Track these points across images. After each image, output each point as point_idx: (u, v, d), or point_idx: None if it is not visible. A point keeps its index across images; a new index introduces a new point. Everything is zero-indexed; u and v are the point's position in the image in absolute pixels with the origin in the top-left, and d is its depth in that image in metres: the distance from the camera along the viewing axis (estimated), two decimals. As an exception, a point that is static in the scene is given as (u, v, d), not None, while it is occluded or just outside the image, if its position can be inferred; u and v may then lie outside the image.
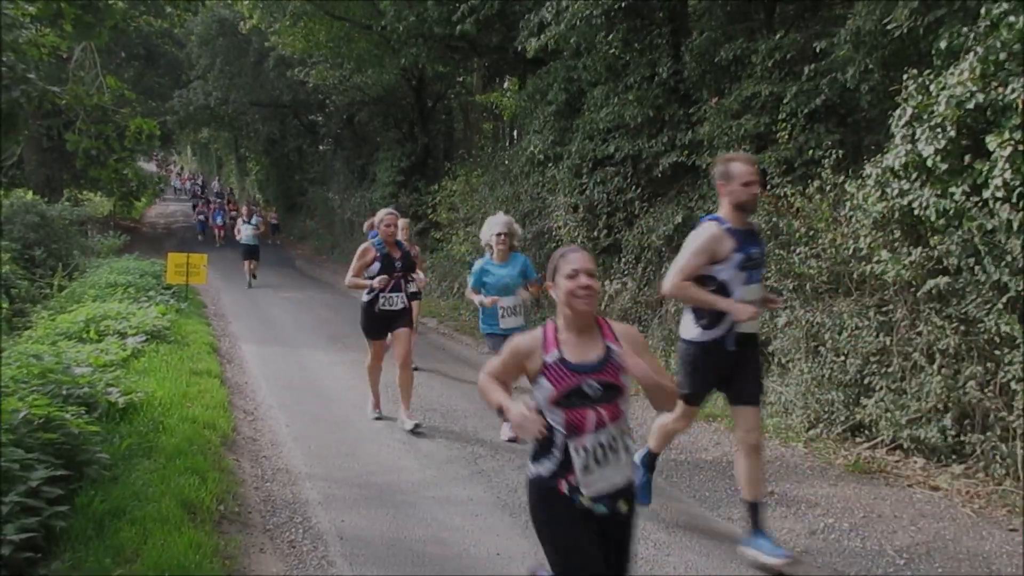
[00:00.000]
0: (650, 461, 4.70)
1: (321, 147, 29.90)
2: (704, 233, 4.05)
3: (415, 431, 6.46)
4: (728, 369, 4.17)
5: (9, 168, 17.63)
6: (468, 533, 4.50)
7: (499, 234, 6.27)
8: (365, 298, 6.66)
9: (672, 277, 4.05)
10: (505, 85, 19.51)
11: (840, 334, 6.21)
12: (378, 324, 6.71)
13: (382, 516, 4.75)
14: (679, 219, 8.92)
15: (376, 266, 6.54)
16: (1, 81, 4.31)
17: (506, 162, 14.50)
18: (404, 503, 4.95)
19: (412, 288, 7.28)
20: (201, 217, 31.16)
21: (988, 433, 5.20)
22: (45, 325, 9.65)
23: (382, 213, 6.74)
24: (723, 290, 4.01)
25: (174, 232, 32.37)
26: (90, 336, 8.85)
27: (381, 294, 6.54)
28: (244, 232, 17.91)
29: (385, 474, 5.51)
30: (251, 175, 41.71)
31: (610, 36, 10.03)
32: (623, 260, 9.76)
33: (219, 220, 29.69)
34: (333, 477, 5.44)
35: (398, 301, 6.64)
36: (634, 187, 9.85)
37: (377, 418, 6.91)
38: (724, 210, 4.09)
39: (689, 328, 4.21)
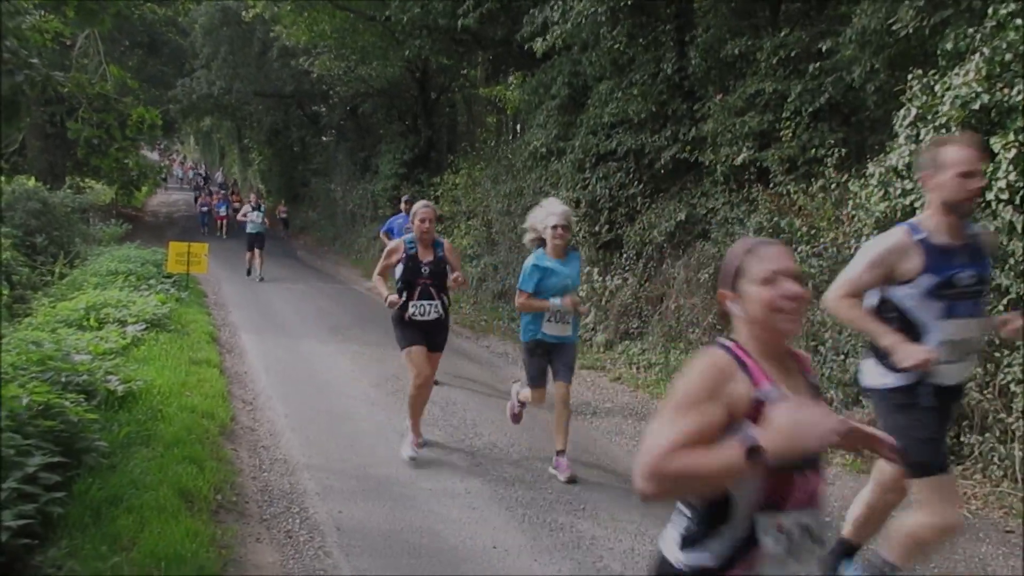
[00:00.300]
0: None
1: (324, 138, 29.79)
2: (884, 241, 3.08)
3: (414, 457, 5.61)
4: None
5: (11, 154, 17.61)
6: (465, 526, 4.51)
7: (556, 227, 5.16)
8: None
9: (834, 289, 3.13)
10: (509, 79, 19.47)
11: (840, 333, 6.21)
12: (413, 331, 5.60)
13: (379, 508, 4.75)
14: (681, 216, 8.92)
15: (400, 268, 5.64)
16: (3, 66, 4.31)
17: (509, 156, 14.48)
18: (401, 495, 4.96)
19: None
20: (204, 208, 29.52)
21: (987, 434, 5.20)
22: (45, 312, 9.66)
23: (418, 206, 5.76)
24: (908, 323, 3.00)
25: (176, 221, 32.34)
26: (90, 324, 8.85)
27: (411, 301, 5.54)
28: (251, 218, 16.77)
29: (383, 466, 5.51)
30: (254, 165, 41.66)
31: (615, 31, 10.00)
32: (624, 256, 9.76)
33: (223, 210, 28.40)
34: (331, 468, 5.45)
35: (431, 310, 5.56)
36: (636, 183, 9.84)
37: (412, 457, 5.58)
38: (929, 211, 3.08)
39: (874, 373, 3.15)
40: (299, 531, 4.41)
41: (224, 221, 27.95)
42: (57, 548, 3.56)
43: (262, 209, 17.36)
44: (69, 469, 4.24)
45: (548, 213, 5.21)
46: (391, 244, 5.89)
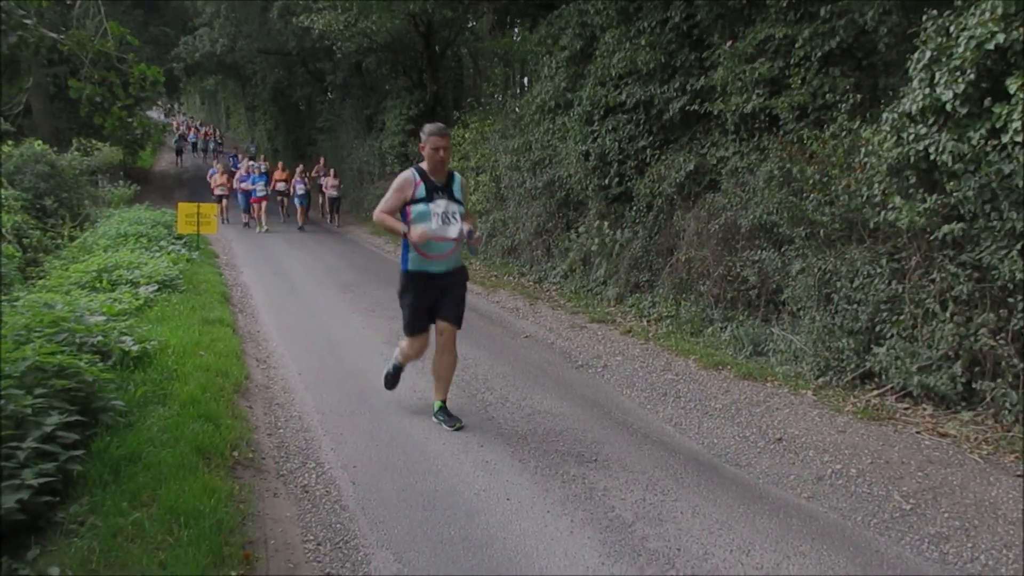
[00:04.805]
0: None
1: (329, 95, 29.46)
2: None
3: None
4: None
5: (16, 116, 17.55)
6: (478, 479, 4.56)
7: None
8: None
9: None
10: (516, 32, 19.12)
11: (852, 282, 6.17)
12: None
13: (394, 462, 4.80)
14: (691, 167, 8.82)
15: None
16: (1, 27, 4.26)
17: (517, 110, 14.31)
18: (415, 449, 5.01)
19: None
20: (244, 183, 20.27)
21: (999, 380, 5.19)
22: (58, 275, 9.72)
23: None
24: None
25: (185, 182, 32.27)
26: (103, 285, 8.91)
27: None
28: (436, 231, 5.08)
29: (397, 421, 5.57)
30: (260, 125, 41.41)
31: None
32: (634, 208, 9.69)
33: (261, 188, 20.07)
34: (345, 424, 5.51)
35: None
36: (646, 135, 9.72)
37: None
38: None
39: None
40: (315, 485, 4.47)
41: (262, 206, 20.12)
42: (78, 504, 3.63)
43: (456, 190, 5.36)
44: (87, 428, 4.30)
45: None
46: None
